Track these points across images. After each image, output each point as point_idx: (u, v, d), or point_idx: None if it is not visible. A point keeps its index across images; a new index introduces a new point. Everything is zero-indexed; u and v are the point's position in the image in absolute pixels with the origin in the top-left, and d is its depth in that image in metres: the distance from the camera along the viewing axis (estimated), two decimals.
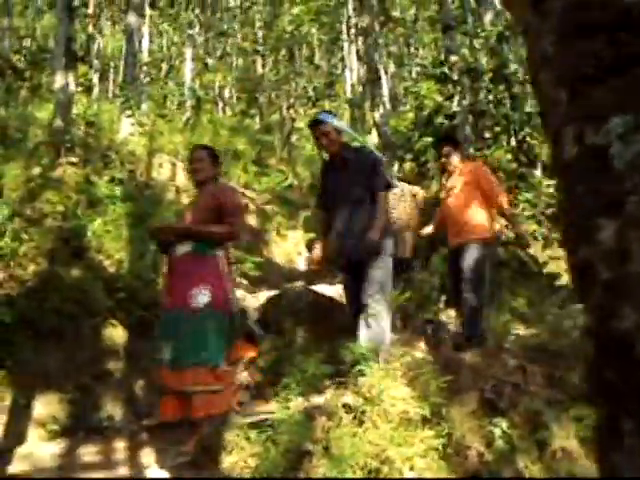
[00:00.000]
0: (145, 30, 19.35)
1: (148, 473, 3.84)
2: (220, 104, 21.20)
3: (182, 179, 9.80)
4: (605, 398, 0.78)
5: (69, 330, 5.53)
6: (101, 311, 5.83)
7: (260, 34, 21.05)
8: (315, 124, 4.73)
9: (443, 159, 5.89)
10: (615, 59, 0.79)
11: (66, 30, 9.96)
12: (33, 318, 5.37)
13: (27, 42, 21.55)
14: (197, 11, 22.22)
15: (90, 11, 21.59)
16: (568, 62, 0.84)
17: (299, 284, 7.26)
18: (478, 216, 5.53)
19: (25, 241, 5.99)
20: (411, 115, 11.89)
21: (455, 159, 5.81)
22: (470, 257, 5.41)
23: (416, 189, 6.21)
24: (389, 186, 4.69)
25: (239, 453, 3.77)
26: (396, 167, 10.64)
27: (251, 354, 4.31)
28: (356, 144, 5.12)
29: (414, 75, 23.62)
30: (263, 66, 21.14)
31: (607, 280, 0.79)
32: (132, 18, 10.76)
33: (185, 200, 8.96)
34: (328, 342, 6.04)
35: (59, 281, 5.78)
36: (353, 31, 22.20)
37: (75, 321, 5.59)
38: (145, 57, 19.24)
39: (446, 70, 9.34)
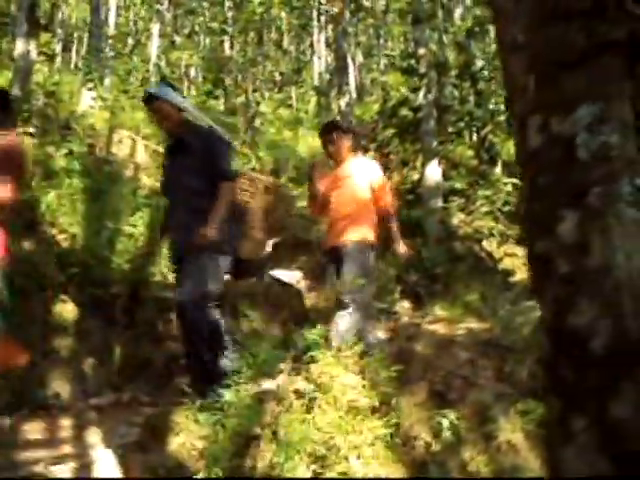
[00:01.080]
0: (112, 2, 18.94)
1: (94, 452, 3.77)
2: (186, 83, 20.91)
3: (142, 156, 9.63)
4: (558, 394, 0.77)
5: (18, 304, 5.39)
6: (52, 286, 5.70)
7: (230, 15, 20.78)
8: (149, 99, 4.15)
9: (329, 147, 5.01)
10: (587, 47, 0.78)
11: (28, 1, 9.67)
12: None
13: None
14: None
15: None
16: (539, 48, 0.82)
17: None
18: (361, 215, 4.82)
19: None
20: (376, 106, 11.90)
21: (344, 147, 4.99)
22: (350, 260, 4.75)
23: (271, 180, 5.61)
24: (234, 175, 4.16)
25: (187, 435, 3.75)
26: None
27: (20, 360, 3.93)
28: (202, 124, 4.38)
29: (382, 67, 23.66)
30: (231, 47, 20.91)
31: (565, 274, 0.78)
32: None
33: (144, 178, 8.81)
34: (282, 327, 6.04)
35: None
36: (323, 18, 22.11)
37: (25, 295, 5.45)
38: (111, 30, 18.84)
39: (413, 63, 9.36)
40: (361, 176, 4.84)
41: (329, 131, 5.04)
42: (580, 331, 0.74)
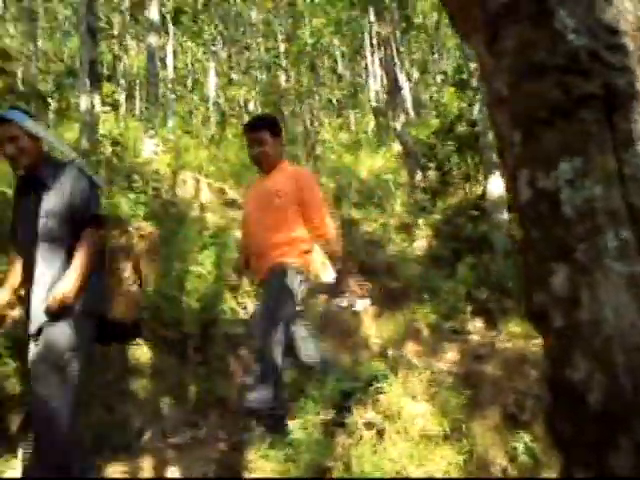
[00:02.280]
0: (169, 48, 19.65)
1: None
2: (245, 117, 21.38)
3: (206, 195, 9.89)
4: (559, 448, 0.76)
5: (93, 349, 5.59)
6: None
7: (282, 47, 21.20)
8: None
9: (255, 148, 4.12)
10: (563, 102, 0.78)
11: (89, 52, 10.15)
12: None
13: (55, 64, 22.05)
14: (220, 27, 22.47)
15: (115, 32, 22.02)
16: (520, 103, 0.83)
17: (323, 297, 7.26)
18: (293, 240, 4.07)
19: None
20: (435, 122, 11.87)
21: (275, 151, 4.14)
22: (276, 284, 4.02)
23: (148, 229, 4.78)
24: (102, 220, 3.39)
25: (261, 472, 3.79)
26: (419, 176, 10.61)
27: None
28: (63, 158, 3.63)
29: (438, 81, 23.55)
30: (287, 79, 21.27)
31: (560, 328, 0.78)
32: (153, 39, 10.94)
33: (209, 216, 9.03)
34: (349, 355, 6.04)
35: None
36: (375, 39, 22.23)
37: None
38: (170, 74, 19.52)
39: (466, 77, 9.30)
40: (292, 191, 4.02)
41: (257, 128, 4.13)
42: (576, 386, 0.74)
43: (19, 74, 15.74)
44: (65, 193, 3.27)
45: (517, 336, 6.53)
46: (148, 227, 4.60)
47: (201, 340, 6.26)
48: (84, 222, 3.25)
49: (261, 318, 4.04)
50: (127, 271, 3.55)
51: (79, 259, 3.16)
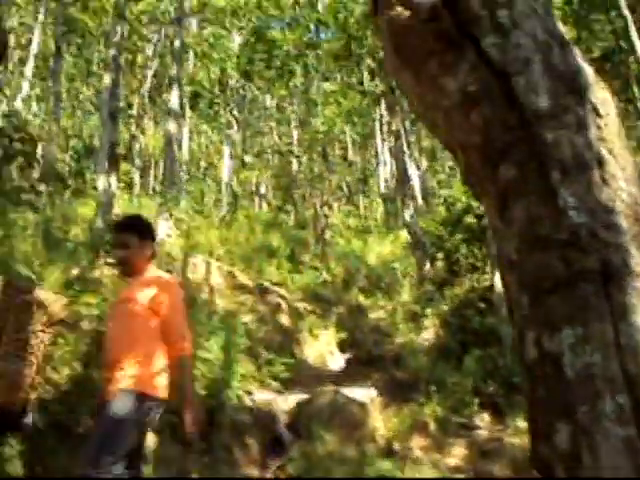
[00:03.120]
0: (185, 130, 20.26)
1: None
2: (257, 200, 21.78)
3: (216, 278, 10.00)
4: None
5: None
6: None
7: (295, 133, 21.82)
8: None
9: (119, 251, 3.65)
10: (565, 274, 0.88)
11: (110, 135, 10.51)
12: (67, 423, 5.41)
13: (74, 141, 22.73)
14: (235, 111, 23.20)
15: (134, 112, 22.76)
16: (528, 271, 0.93)
17: (330, 387, 7.23)
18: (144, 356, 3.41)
19: (60, 345, 6.11)
20: (443, 213, 12.06)
21: (140, 256, 3.62)
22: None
23: None
24: None
25: None
26: (427, 266, 10.72)
27: None
28: None
29: (447, 169, 24.04)
30: (299, 164, 21.80)
31: None
32: (172, 125, 11.34)
33: (218, 300, 9.11)
34: (357, 449, 5.98)
35: (93, 385, 5.86)
36: (386, 128, 22.85)
37: None
38: (185, 156, 20.04)
39: None
40: (148, 300, 3.44)
41: (123, 230, 3.71)
42: None
43: (39, 152, 16.19)
44: None
45: (525, 432, 6.45)
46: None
47: (206, 427, 6.21)
48: None
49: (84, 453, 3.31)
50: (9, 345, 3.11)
51: None
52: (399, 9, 1.34)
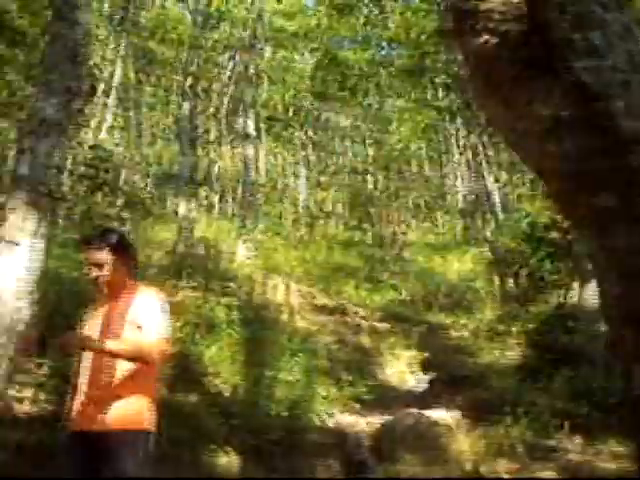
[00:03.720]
0: (262, 153, 20.63)
1: None
2: (333, 219, 21.88)
3: (296, 299, 10.06)
4: None
5: (185, 458, 5.64)
6: (217, 439, 5.94)
7: (370, 151, 21.84)
8: None
9: (92, 271, 3.17)
10: None
11: (189, 161, 10.81)
12: None
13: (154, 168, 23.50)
14: (310, 132, 23.46)
15: (212, 137, 23.36)
16: (632, 303, 0.86)
17: (413, 409, 7.10)
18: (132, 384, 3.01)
19: None
20: (524, 225, 11.74)
21: (120, 273, 3.18)
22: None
23: None
24: None
25: None
26: (511, 282, 10.46)
27: None
28: None
29: (527, 182, 23.45)
30: (375, 182, 21.78)
31: None
32: (248, 148, 11.57)
33: (298, 321, 9.16)
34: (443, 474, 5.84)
35: (176, 409, 5.96)
36: (462, 143, 22.58)
37: (191, 449, 5.71)
38: (262, 178, 20.39)
39: None
40: (134, 322, 3.05)
41: (95, 247, 3.22)
42: None
43: (122, 180, 16.78)
44: None
45: (620, 456, 6.17)
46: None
47: (289, 449, 6.22)
48: None
49: None
50: None
51: None
52: (486, 36, 1.30)
